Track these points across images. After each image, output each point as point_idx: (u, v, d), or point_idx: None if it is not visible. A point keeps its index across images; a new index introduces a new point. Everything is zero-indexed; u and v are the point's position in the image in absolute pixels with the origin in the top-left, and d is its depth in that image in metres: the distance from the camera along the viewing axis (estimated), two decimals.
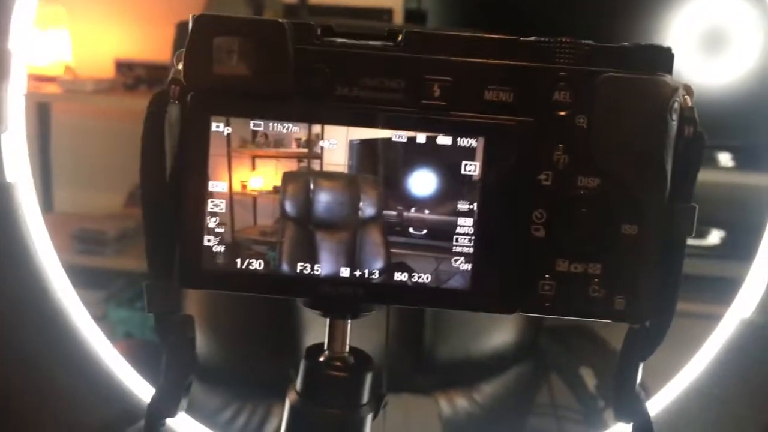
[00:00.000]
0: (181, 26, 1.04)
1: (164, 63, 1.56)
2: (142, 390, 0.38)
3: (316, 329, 1.04)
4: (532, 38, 0.27)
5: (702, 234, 1.26)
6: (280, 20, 0.27)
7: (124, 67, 1.56)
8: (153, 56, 1.58)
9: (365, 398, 0.31)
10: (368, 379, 0.31)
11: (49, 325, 0.35)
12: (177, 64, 0.28)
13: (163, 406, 0.29)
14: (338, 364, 0.31)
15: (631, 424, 0.29)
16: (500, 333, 1.08)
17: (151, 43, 1.53)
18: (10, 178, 0.34)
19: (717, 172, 1.33)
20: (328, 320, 0.31)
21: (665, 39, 1.31)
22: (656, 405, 0.38)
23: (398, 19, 1.51)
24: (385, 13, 1.49)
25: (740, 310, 0.37)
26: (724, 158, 1.30)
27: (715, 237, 1.27)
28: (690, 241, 0.28)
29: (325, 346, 0.31)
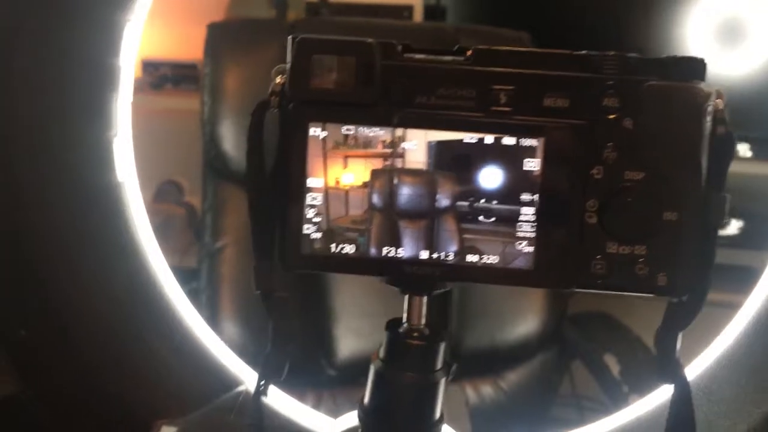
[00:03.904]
0: (213, 27, 1.09)
1: (189, 62, 1.60)
2: (233, 363, 0.43)
3: (346, 320, 1.08)
4: (584, 52, 0.32)
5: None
6: (368, 40, 0.31)
7: (150, 66, 1.59)
8: (178, 55, 1.61)
9: (439, 364, 0.36)
10: (441, 347, 0.36)
11: (154, 308, 0.40)
12: (275, 78, 0.33)
13: (270, 371, 0.33)
14: (416, 334, 0.35)
15: (672, 385, 0.33)
16: (524, 322, 1.12)
17: (177, 42, 1.56)
18: (120, 177, 0.39)
19: (735, 163, 1.35)
20: (406, 297, 0.36)
21: (683, 30, 1.32)
22: (692, 371, 0.42)
23: (417, 16, 1.54)
24: (405, 10, 1.52)
25: (766, 288, 0.41)
26: (743, 149, 1.32)
27: (733, 227, 1.30)
28: None
29: (404, 320, 0.36)
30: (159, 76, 1.58)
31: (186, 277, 1.25)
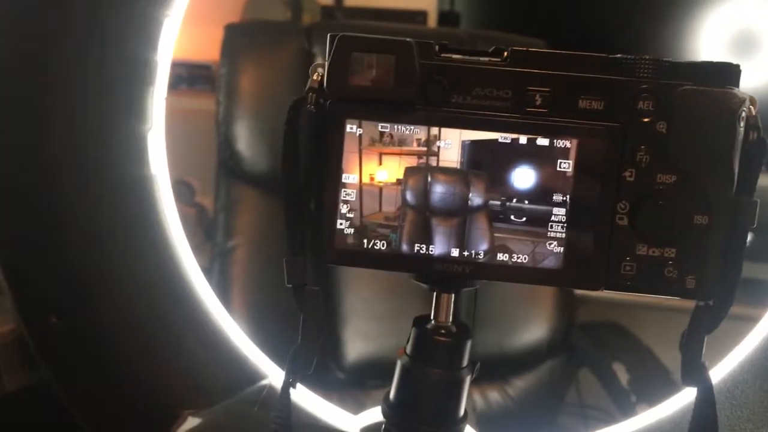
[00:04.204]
0: (230, 28, 1.10)
1: (204, 62, 1.61)
2: (257, 357, 0.43)
3: (355, 324, 1.08)
4: (618, 55, 0.32)
5: None
6: (408, 39, 0.32)
7: None
8: (193, 56, 1.62)
9: (465, 362, 0.36)
10: (467, 345, 0.36)
11: (182, 299, 0.40)
12: (312, 74, 0.33)
13: (300, 363, 0.34)
14: (443, 331, 0.36)
15: (696, 388, 0.34)
16: (533, 329, 1.12)
17: (192, 43, 1.57)
18: (153, 170, 0.39)
19: None
20: (434, 294, 0.36)
21: (698, 41, 1.32)
22: (715, 375, 0.42)
23: (432, 21, 1.55)
24: (419, 15, 1.53)
25: None
26: None
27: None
28: None
29: (432, 317, 0.36)
30: (174, 76, 1.59)
31: None
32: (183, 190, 1.56)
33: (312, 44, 1.07)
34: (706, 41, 1.31)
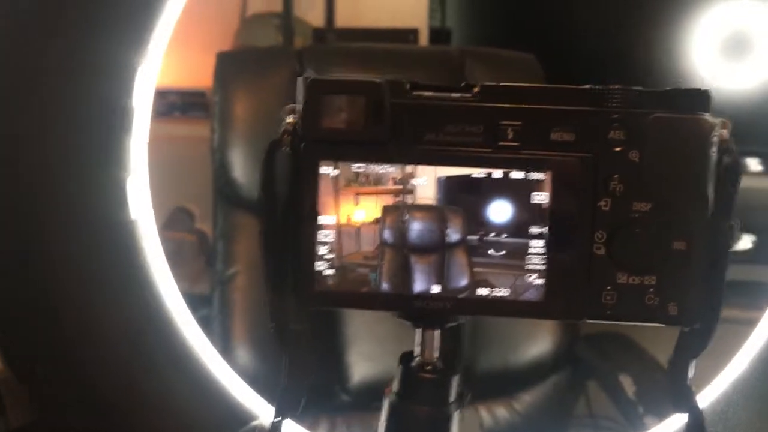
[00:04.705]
0: (222, 56, 1.11)
1: (197, 89, 1.62)
2: (248, 397, 0.43)
3: (359, 346, 1.08)
4: (588, 86, 0.32)
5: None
6: (377, 80, 0.32)
7: (158, 94, 1.61)
8: (187, 83, 1.63)
9: (452, 397, 0.36)
10: (455, 381, 0.36)
11: (167, 342, 0.40)
12: (285, 117, 0.33)
13: (286, 406, 0.34)
14: (429, 367, 0.36)
15: (686, 413, 0.34)
16: (538, 343, 1.11)
17: (185, 70, 1.58)
18: (133, 215, 0.39)
19: (746, 178, 1.34)
20: (419, 330, 0.36)
21: (689, 44, 1.32)
22: (706, 398, 0.42)
23: (423, 39, 1.55)
24: (411, 34, 1.54)
25: None
26: (752, 163, 1.31)
27: (746, 242, 1.29)
28: None
29: (417, 353, 0.36)
30: (167, 104, 1.60)
31: (198, 303, 1.26)
32: (182, 217, 1.56)
33: (304, 68, 1.07)
34: (697, 47, 1.32)
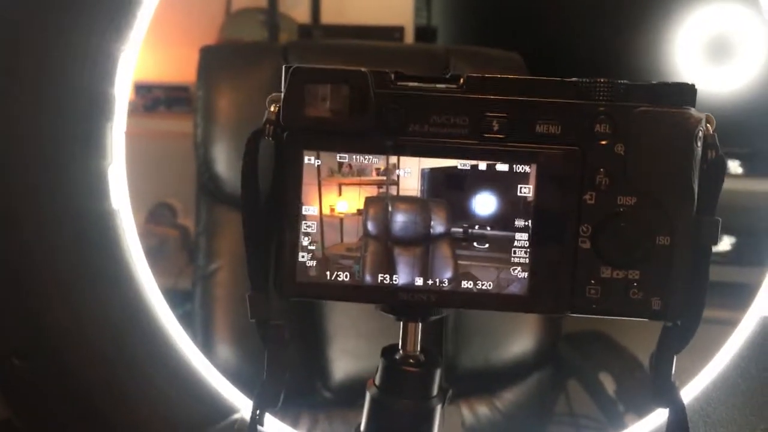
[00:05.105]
0: (205, 50, 1.10)
1: (182, 84, 1.61)
2: (228, 391, 0.43)
3: (341, 342, 1.08)
4: (574, 79, 0.32)
5: None
6: (362, 69, 0.31)
7: (143, 89, 1.60)
8: (171, 78, 1.62)
9: (435, 391, 0.36)
10: (437, 374, 0.36)
11: (148, 335, 0.40)
12: (269, 106, 0.33)
13: (266, 399, 0.33)
14: (411, 361, 0.35)
15: (668, 408, 0.33)
16: (520, 341, 1.12)
17: (169, 65, 1.57)
18: (115, 205, 0.39)
19: (727, 179, 1.35)
20: (401, 323, 0.36)
21: (672, 47, 1.33)
22: (688, 394, 0.42)
23: (409, 37, 1.55)
24: (397, 32, 1.53)
25: (759, 309, 0.41)
26: (733, 165, 1.33)
27: (726, 243, 1.30)
28: None
29: (399, 346, 0.36)
30: (152, 99, 1.59)
31: (180, 299, 1.25)
32: (164, 212, 1.55)
33: (289, 63, 1.07)
34: (680, 49, 1.33)
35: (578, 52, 1.39)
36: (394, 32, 1.52)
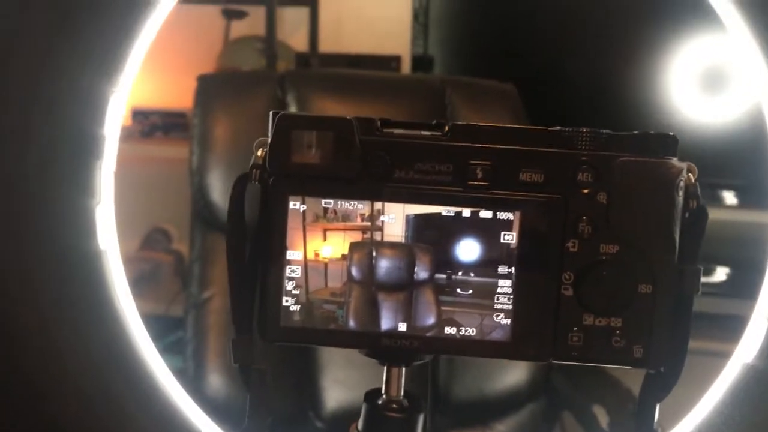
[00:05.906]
0: (202, 79, 1.10)
1: (179, 110, 1.62)
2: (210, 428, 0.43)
3: (333, 372, 1.07)
4: (557, 128, 0.33)
5: (708, 271, 1.27)
6: (348, 117, 0.32)
7: (140, 115, 1.62)
8: (168, 104, 1.63)
9: None
10: (420, 419, 0.36)
11: (133, 376, 0.39)
12: (256, 151, 0.33)
13: None
14: (394, 406, 0.35)
15: None
16: (513, 372, 1.11)
17: (167, 91, 1.58)
18: (102, 245, 0.39)
19: (721, 210, 1.33)
20: (385, 368, 0.36)
21: (666, 78, 1.34)
22: (682, 430, 0.42)
23: (405, 66, 1.57)
24: (393, 61, 1.55)
25: (743, 354, 0.41)
26: (728, 196, 1.33)
27: (720, 274, 1.30)
28: None
29: (383, 391, 0.36)
30: (149, 125, 1.60)
31: (173, 326, 1.24)
32: (159, 237, 1.55)
33: (285, 92, 1.08)
34: (675, 80, 1.34)
35: (572, 82, 1.40)
36: (390, 61, 1.54)
